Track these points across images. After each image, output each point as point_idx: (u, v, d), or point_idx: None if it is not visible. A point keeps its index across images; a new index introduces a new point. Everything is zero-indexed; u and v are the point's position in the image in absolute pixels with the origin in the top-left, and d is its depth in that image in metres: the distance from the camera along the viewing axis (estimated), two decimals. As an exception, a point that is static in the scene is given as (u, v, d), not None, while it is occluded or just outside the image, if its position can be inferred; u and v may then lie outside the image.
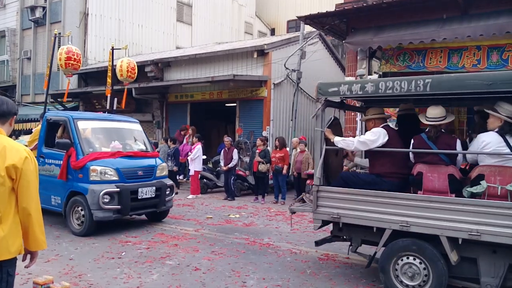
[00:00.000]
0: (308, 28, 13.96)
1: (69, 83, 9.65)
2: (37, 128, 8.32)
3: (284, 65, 13.45)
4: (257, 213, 9.58)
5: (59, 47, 9.82)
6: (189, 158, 11.87)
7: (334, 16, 11.37)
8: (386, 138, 4.81)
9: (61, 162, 7.26)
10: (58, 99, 17.73)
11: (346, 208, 4.76)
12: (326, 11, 11.25)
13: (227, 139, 11.88)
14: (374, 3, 10.52)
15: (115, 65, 10.23)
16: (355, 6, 10.82)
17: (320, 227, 5.07)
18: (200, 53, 15.39)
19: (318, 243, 5.46)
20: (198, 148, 11.70)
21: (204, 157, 12.26)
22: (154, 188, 7.62)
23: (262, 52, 13.77)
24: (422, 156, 4.61)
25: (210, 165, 13.53)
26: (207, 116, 16.74)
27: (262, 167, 10.98)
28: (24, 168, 2.49)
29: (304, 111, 15.16)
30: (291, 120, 13.88)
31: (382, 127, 4.96)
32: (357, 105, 6.92)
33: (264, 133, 13.46)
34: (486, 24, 9.28)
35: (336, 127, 5.63)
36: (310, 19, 11.62)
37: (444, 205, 4.20)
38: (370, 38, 10.79)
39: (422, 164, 4.57)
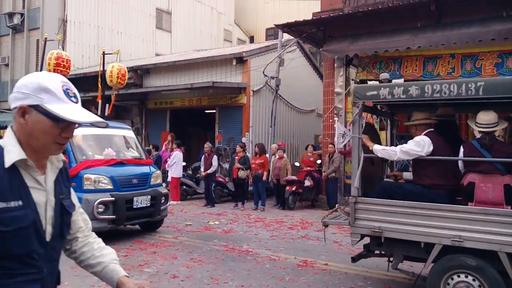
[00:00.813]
0: (286, 36, 14.14)
1: None
2: None
3: (263, 72, 13.59)
4: (236, 220, 9.63)
5: (43, 53, 9.69)
6: (166, 164, 11.86)
7: (311, 24, 11.58)
8: (431, 147, 4.43)
9: None
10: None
11: (389, 221, 4.39)
12: (304, 20, 11.45)
13: (207, 145, 11.92)
14: (350, 12, 10.77)
15: (105, 70, 10.04)
16: (331, 15, 11.05)
17: (358, 241, 4.71)
18: (180, 60, 15.42)
19: (354, 259, 5.01)
20: (175, 154, 11.68)
21: (184, 163, 12.27)
22: (149, 197, 7.41)
23: (241, 60, 13.89)
24: (475, 165, 4.28)
25: (190, 172, 13.53)
26: (187, 123, 16.75)
27: (242, 174, 11.04)
28: None
29: (283, 117, 15.32)
30: (270, 126, 14.01)
31: (426, 134, 4.58)
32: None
33: (244, 140, 13.54)
34: (459, 32, 9.57)
35: (370, 134, 5.25)
36: (288, 27, 11.81)
37: (502, 218, 3.85)
38: (347, 46, 11.02)
39: (475, 173, 4.22)
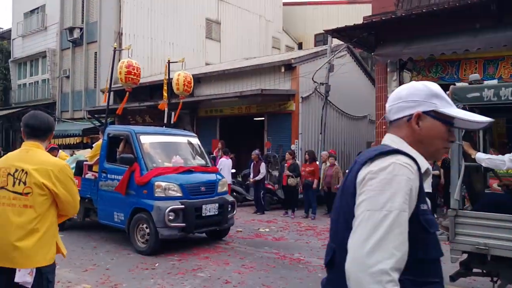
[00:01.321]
0: (336, 41, 13.98)
1: (126, 98, 9.36)
2: (97, 143, 8.20)
3: (312, 78, 13.49)
4: (287, 228, 9.55)
5: (113, 62, 9.36)
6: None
7: (362, 28, 11.36)
8: None
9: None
10: (95, 115, 18.33)
11: (497, 237, 3.93)
12: (354, 24, 11.25)
13: (254, 153, 11.96)
14: (403, 14, 10.47)
15: (171, 79, 10.11)
16: (383, 18, 10.79)
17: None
18: (229, 68, 15.63)
19: (453, 278, 4.50)
20: (221, 161, 11.78)
21: (234, 170, 12.35)
22: (217, 204, 7.29)
23: (289, 67, 13.86)
24: None
25: (240, 179, 13.62)
26: (236, 130, 16.91)
27: (292, 181, 10.95)
28: (63, 179, 2.66)
29: (333, 124, 15.10)
30: (320, 133, 13.85)
31: None
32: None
33: (293, 147, 13.46)
34: (522, 32, 9.09)
35: (471, 141, 4.90)
36: (338, 33, 11.66)
37: None
38: (400, 49, 10.71)
39: None
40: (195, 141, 8.47)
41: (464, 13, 9.88)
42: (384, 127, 11.54)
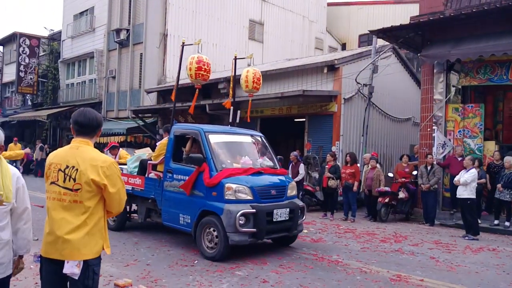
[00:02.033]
0: (380, 42, 13.71)
1: (196, 96, 8.91)
2: (162, 141, 7.84)
3: (355, 79, 13.29)
4: (325, 230, 9.45)
5: (181, 58, 8.70)
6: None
7: (408, 29, 11.12)
8: None
9: None
10: (139, 115, 18.86)
11: None
12: (400, 24, 11.03)
13: (292, 154, 11.91)
14: (452, 14, 10.15)
15: (237, 76, 9.63)
16: (431, 18, 10.51)
17: None
18: (271, 69, 15.64)
19: None
20: None
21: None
22: (288, 209, 6.80)
23: (332, 67, 13.71)
24: None
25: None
26: (276, 131, 16.89)
27: (332, 183, 10.82)
28: (112, 176, 2.76)
29: (376, 126, 14.80)
30: (362, 135, 13.61)
31: None
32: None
33: (333, 148, 13.30)
34: None
35: None
36: (383, 33, 11.46)
37: None
38: (448, 50, 10.41)
39: None
40: (263, 141, 8.07)
41: (517, 12, 9.46)
42: (429, 129, 11.23)
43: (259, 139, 8.09)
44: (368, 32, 12.15)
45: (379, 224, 10.38)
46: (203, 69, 8.18)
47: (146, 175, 7.74)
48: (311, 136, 14.40)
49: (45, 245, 2.74)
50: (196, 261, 6.27)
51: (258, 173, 6.92)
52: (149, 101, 19.73)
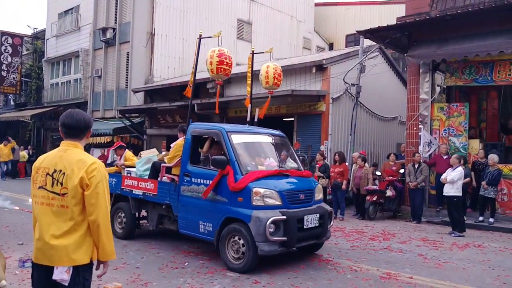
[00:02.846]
0: (367, 42, 13.84)
1: (218, 93, 8.48)
2: (177, 142, 7.21)
3: (343, 79, 13.40)
4: (315, 228, 9.51)
5: (197, 51, 7.93)
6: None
7: (395, 29, 11.26)
8: None
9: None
10: (126, 114, 18.72)
11: None
12: (387, 25, 11.15)
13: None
14: (437, 15, 10.31)
15: (257, 71, 9.09)
16: (417, 19, 10.66)
17: None
18: (259, 69, 15.64)
19: None
20: None
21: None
22: (318, 215, 6.33)
23: (320, 67, 13.80)
24: None
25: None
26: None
27: (322, 182, 10.88)
28: (93, 180, 2.66)
29: (364, 125, 14.95)
30: (350, 134, 13.74)
31: None
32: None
33: (322, 148, 13.40)
34: (561, 33, 8.81)
35: None
36: (371, 33, 11.58)
37: None
38: (434, 51, 10.56)
39: None
40: (285, 141, 7.63)
41: (500, 14, 9.68)
42: (415, 128, 11.40)
43: (281, 138, 7.57)
44: (355, 32, 12.27)
45: (367, 222, 10.50)
46: (225, 63, 7.62)
47: (159, 179, 7.20)
48: (300, 135, 14.48)
49: (35, 251, 2.69)
50: (186, 263, 6.26)
51: (285, 175, 6.48)
52: (136, 100, 19.60)
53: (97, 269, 2.82)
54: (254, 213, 5.75)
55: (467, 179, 9.91)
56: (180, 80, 18.22)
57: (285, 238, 5.81)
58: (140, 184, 7.42)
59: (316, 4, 26.80)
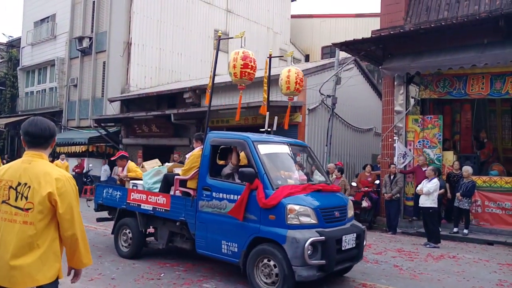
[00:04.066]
0: (343, 54, 14.03)
1: (240, 99, 8.06)
2: (194, 153, 6.61)
3: (319, 91, 13.52)
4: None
5: (217, 53, 7.37)
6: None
7: (370, 42, 11.44)
8: None
9: (238, 197, 5.56)
10: (102, 124, 18.43)
11: None
12: (362, 38, 11.32)
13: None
14: (412, 29, 10.54)
15: (274, 75, 8.51)
16: (391, 32, 10.87)
17: None
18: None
19: None
20: None
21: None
22: (355, 235, 5.73)
23: (298, 79, 13.89)
24: None
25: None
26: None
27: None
28: (65, 195, 2.51)
29: (339, 136, 15.10)
30: (326, 145, 13.84)
31: None
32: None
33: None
34: (530, 48, 9.11)
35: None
36: (346, 46, 11.74)
37: None
38: (408, 63, 10.77)
39: None
40: (309, 151, 7.04)
41: (472, 29, 9.95)
42: (390, 140, 11.55)
43: (306, 149, 7.06)
44: (331, 44, 12.42)
45: (344, 233, 10.51)
46: (249, 67, 7.04)
47: (171, 193, 6.64)
48: (277, 146, 14.48)
49: None
50: (162, 274, 6.14)
51: (317, 191, 5.81)
52: (112, 110, 19.33)
53: (68, 275, 2.71)
54: (289, 233, 5.10)
55: (442, 190, 10.07)
56: (157, 90, 18.11)
57: (324, 261, 5.15)
58: (150, 198, 6.74)
59: (293, 16, 27.15)
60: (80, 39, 20.65)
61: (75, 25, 21.77)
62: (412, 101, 12.12)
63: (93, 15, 20.87)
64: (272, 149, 6.25)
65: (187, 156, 6.84)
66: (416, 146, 11.32)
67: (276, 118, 8.31)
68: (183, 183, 6.47)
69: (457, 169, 10.57)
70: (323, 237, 5.15)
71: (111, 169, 17.72)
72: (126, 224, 7.16)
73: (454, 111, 12.99)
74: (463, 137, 12.94)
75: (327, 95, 13.78)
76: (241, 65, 7.04)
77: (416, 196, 10.39)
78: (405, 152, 11.25)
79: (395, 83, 11.51)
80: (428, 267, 7.23)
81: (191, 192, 6.28)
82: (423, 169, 10.59)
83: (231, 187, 5.82)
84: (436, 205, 9.08)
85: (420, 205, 9.22)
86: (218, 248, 5.77)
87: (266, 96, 8.21)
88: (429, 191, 8.93)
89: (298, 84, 8.05)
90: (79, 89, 21.40)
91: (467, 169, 9.92)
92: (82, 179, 18.01)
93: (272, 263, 5.23)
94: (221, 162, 6.80)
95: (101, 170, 18.30)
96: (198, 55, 21.88)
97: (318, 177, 6.51)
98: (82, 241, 2.61)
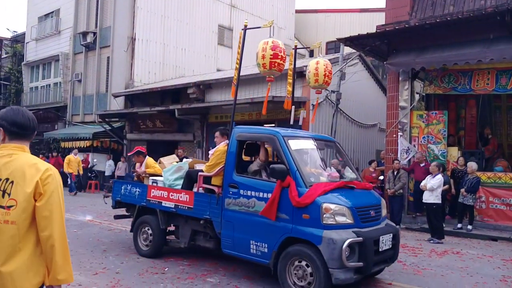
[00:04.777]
0: (347, 49, 13.98)
1: (268, 91, 7.67)
2: (219, 148, 6.32)
3: (324, 86, 13.47)
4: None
5: (243, 43, 6.92)
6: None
7: (375, 37, 11.38)
8: None
9: (267, 194, 5.31)
10: (106, 119, 18.49)
11: None
12: (367, 33, 11.27)
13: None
14: (417, 24, 10.48)
15: (301, 67, 8.06)
16: (397, 27, 10.80)
17: None
18: (241, 75, 15.63)
19: None
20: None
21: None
22: (391, 235, 5.49)
23: (301, 74, 13.86)
24: None
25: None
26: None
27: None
28: (47, 188, 2.21)
29: (344, 132, 15.08)
30: (331, 141, 13.81)
31: None
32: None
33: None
34: (536, 44, 9.05)
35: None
36: (351, 41, 11.68)
37: None
38: (413, 59, 10.71)
39: None
40: (337, 146, 6.72)
41: (478, 24, 9.87)
42: (394, 135, 11.52)
43: (335, 145, 6.76)
44: (336, 39, 12.37)
45: (347, 229, 10.52)
46: (279, 57, 6.71)
47: (196, 190, 6.38)
48: (281, 141, 14.47)
49: None
50: (166, 269, 6.17)
51: (350, 188, 5.60)
52: (116, 105, 19.38)
53: None
54: (325, 234, 4.83)
55: (446, 186, 10.04)
56: (161, 85, 18.13)
57: (361, 263, 4.89)
58: (172, 195, 6.51)
59: (297, 11, 27.05)
60: (84, 34, 20.66)
61: (79, 20, 21.79)
62: (417, 96, 12.06)
63: (97, 10, 20.87)
64: (302, 145, 6.01)
65: (210, 152, 6.57)
66: (421, 141, 11.29)
67: (302, 112, 8.01)
68: (207, 180, 6.22)
69: (462, 165, 10.53)
70: (361, 238, 4.90)
71: (115, 164, 17.84)
72: (146, 222, 6.93)
73: (459, 106, 12.93)
74: (468, 133, 12.88)
75: (332, 91, 13.75)
76: (271, 55, 6.69)
77: (415, 192, 10.42)
78: (408, 147, 11.23)
79: (400, 78, 11.46)
80: (432, 262, 7.22)
81: (215, 189, 6.06)
82: (421, 165, 10.61)
83: (260, 184, 5.56)
84: (440, 201, 9.06)
85: (424, 201, 9.21)
86: (246, 248, 5.52)
87: (290, 90, 7.96)
88: (432, 187, 8.91)
89: (327, 77, 7.78)
90: (83, 84, 21.45)
91: (472, 165, 9.89)
92: (87, 174, 18.12)
93: (305, 264, 4.98)
94: (246, 158, 6.60)
95: (105, 165, 18.40)
96: (202, 50, 21.87)
97: (349, 174, 6.22)
98: (60, 248, 2.19)
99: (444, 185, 9.55)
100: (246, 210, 5.54)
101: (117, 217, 7.89)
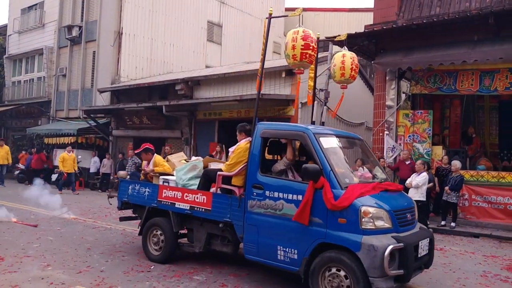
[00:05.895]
0: (336, 48, 14.03)
1: (299, 84, 7.29)
2: (240, 146, 5.88)
3: (312, 84, 13.51)
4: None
5: (267, 34, 6.46)
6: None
7: (363, 37, 11.47)
8: None
9: (297, 196, 4.95)
10: (91, 115, 18.27)
11: None
12: (355, 32, 11.34)
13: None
14: (404, 24, 10.59)
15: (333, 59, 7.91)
16: (384, 27, 10.90)
17: None
18: (229, 72, 15.65)
19: None
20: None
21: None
22: (428, 240, 5.21)
23: (290, 72, 13.90)
24: None
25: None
26: (234, 134, 16.88)
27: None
28: None
29: (331, 130, 15.15)
30: (318, 139, 13.88)
31: None
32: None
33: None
34: (520, 46, 9.21)
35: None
36: (339, 40, 11.71)
37: None
38: (400, 59, 10.83)
39: None
40: (364, 145, 6.34)
41: (463, 25, 10.03)
42: (381, 134, 11.64)
43: (362, 143, 6.29)
44: (325, 38, 12.41)
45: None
46: (310, 47, 6.25)
47: (214, 191, 5.93)
48: (268, 139, 14.49)
49: None
50: (152, 267, 6.13)
51: (384, 190, 5.19)
52: (102, 101, 19.17)
53: None
54: (364, 240, 4.47)
55: (431, 184, 10.18)
56: (149, 81, 17.97)
57: (402, 271, 4.54)
58: (186, 196, 6.07)
59: (286, 9, 27.04)
60: (70, 27, 20.34)
61: (64, 13, 21.44)
62: (403, 96, 12.21)
63: (83, 3, 20.56)
64: (333, 143, 5.53)
65: (230, 150, 6.08)
66: (406, 140, 11.43)
67: (325, 108, 7.65)
68: (226, 180, 5.79)
69: (446, 164, 10.69)
70: (402, 244, 4.55)
71: (101, 161, 17.64)
72: (157, 225, 6.46)
73: (444, 106, 13.11)
74: (452, 132, 13.09)
75: (320, 89, 13.79)
76: (302, 45, 6.20)
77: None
78: (393, 146, 11.36)
79: (387, 78, 11.58)
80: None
81: (236, 190, 5.67)
82: (407, 162, 10.74)
83: (289, 185, 5.16)
84: (424, 199, 9.20)
85: (409, 198, 9.33)
86: (273, 255, 5.11)
87: (312, 84, 7.63)
88: (417, 185, 9.05)
89: (353, 71, 7.39)
90: (68, 79, 21.14)
91: (456, 163, 10.05)
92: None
93: (342, 273, 4.59)
94: (268, 157, 6.24)
95: (90, 162, 18.16)
96: (191, 46, 21.74)
97: (379, 174, 5.86)
98: None
99: (428, 183, 9.69)
100: (272, 213, 5.15)
101: (122, 219, 7.47)
